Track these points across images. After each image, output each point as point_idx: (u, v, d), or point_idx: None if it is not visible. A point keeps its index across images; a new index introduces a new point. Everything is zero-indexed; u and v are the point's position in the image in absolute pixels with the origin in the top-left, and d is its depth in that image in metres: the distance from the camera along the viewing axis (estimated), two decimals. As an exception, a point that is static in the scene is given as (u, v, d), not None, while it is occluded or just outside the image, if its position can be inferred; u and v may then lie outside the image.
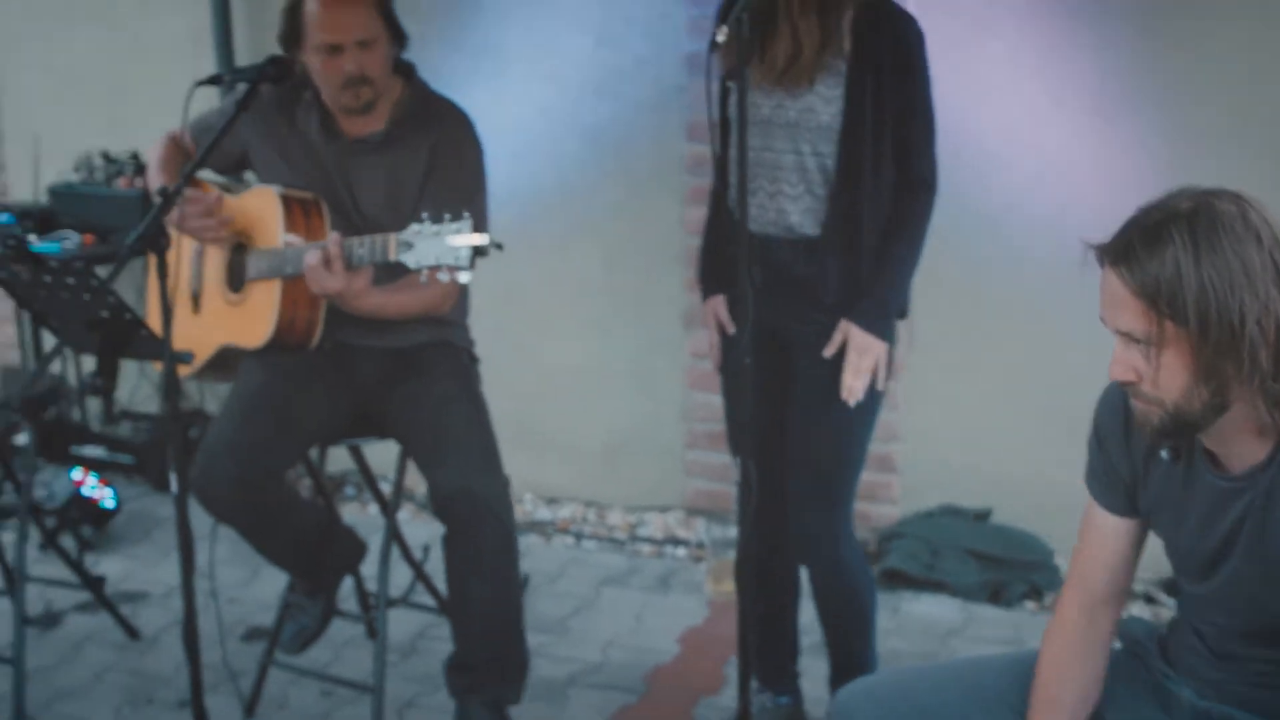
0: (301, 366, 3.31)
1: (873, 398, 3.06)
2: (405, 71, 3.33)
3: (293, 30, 3.20)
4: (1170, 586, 4.02)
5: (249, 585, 4.33)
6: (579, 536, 4.75)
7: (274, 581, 4.01)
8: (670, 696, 3.75)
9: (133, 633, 4.07)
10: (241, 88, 3.11)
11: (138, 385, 5.38)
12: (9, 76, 5.58)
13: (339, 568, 3.56)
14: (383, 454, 3.57)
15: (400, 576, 3.84)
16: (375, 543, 3.52)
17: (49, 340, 4.84)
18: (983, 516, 4.39)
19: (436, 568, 3.34)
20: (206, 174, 3.29)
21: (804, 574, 3.37)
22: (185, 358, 2.85)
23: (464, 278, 2.74)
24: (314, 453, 3.60)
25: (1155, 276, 1.85)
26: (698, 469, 4.78)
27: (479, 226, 2.77)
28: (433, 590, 3.80)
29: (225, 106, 3.38)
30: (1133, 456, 2.12)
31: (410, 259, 2.77)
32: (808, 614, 3.43)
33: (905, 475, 4.49)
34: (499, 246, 2.75)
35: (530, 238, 4.67)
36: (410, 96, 3.31)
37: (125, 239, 2.83)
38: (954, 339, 4.26)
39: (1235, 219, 1.86)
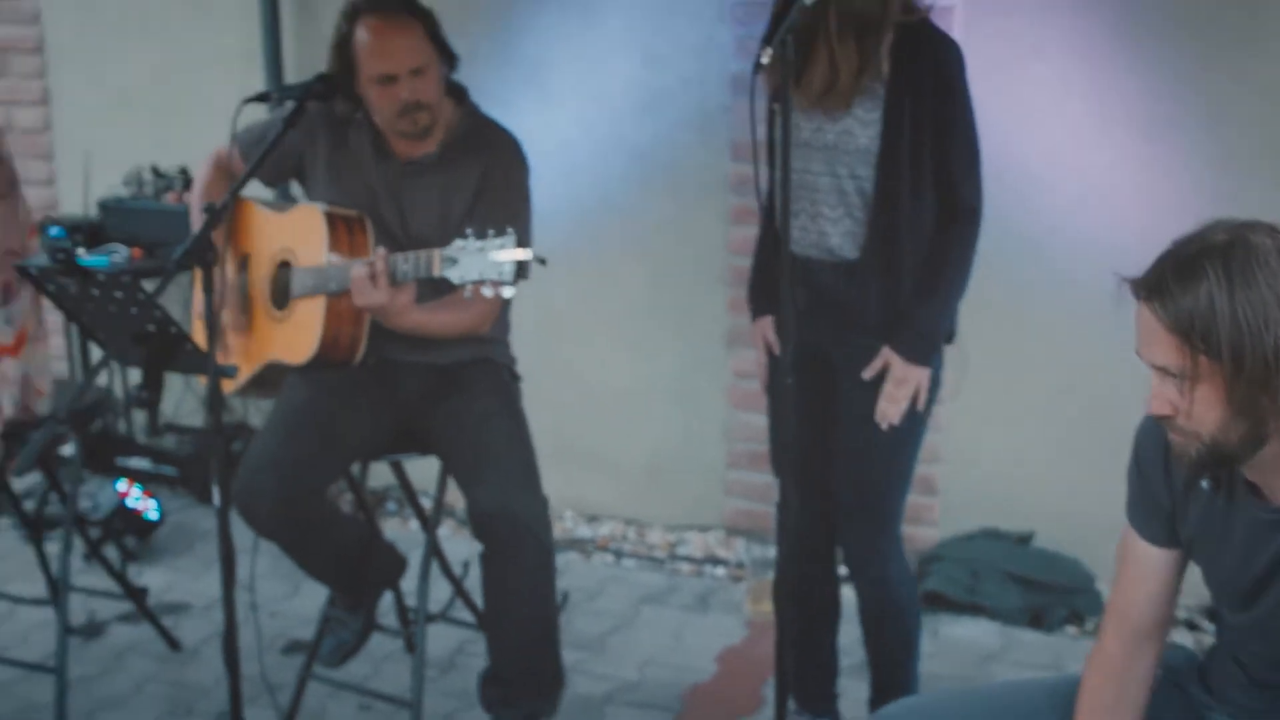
0: (345, 383, 3.33)
1: (915, 420, 3.06)
2: (457, 94, 3.35)
3: (344, 65, 3.21)
4: (1213, 613, 3.99)
5: (290, 599, 4.35)
6: (619, 554, 4.76)
7: (315, 595, 4.03)
8: (707, 716, 3.74)
9: (174, 644, 4.10)
10: (290, 104, 3.14)
11: (183, 398, 5.42)
12: (62, 91, 5.65)
13: (379, 583, 3.57)
14: (424, 470, 3.58)
15: (440, 592, 3.85)
16: (415, 558, 3.53)
17: (97, 353, 4.88)
18: (1024, 540, 4.37)
19: (476, 584, 3.35)
20: (251, 190, 3.31)
21: (844, 595, 3.37)
22: (229, 371, 2.88)
23: (507, 292, 2.74)
24: (356, 468, 3.61)
25: (1189, 311, 1.84)
26: (739, 488, 4.77)
27: (522, 243, 2.78)
28: (472, 606, 3.81)
29: (275, 119, 3.40)
30: (1173, 486, 2.11)
31: (454, 274, 2.78)
32: (847, 635, 3.42)
33: (946, 497, 4.48)
34: (542, 261, 2.76)
35: (575, 256, 4.69)
36: (463, 119, 3.33)
37: (172, 254, 2.86)
38: (997, 361, 4.25)
39: (1270, 252, 1.84)
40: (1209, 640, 3.91)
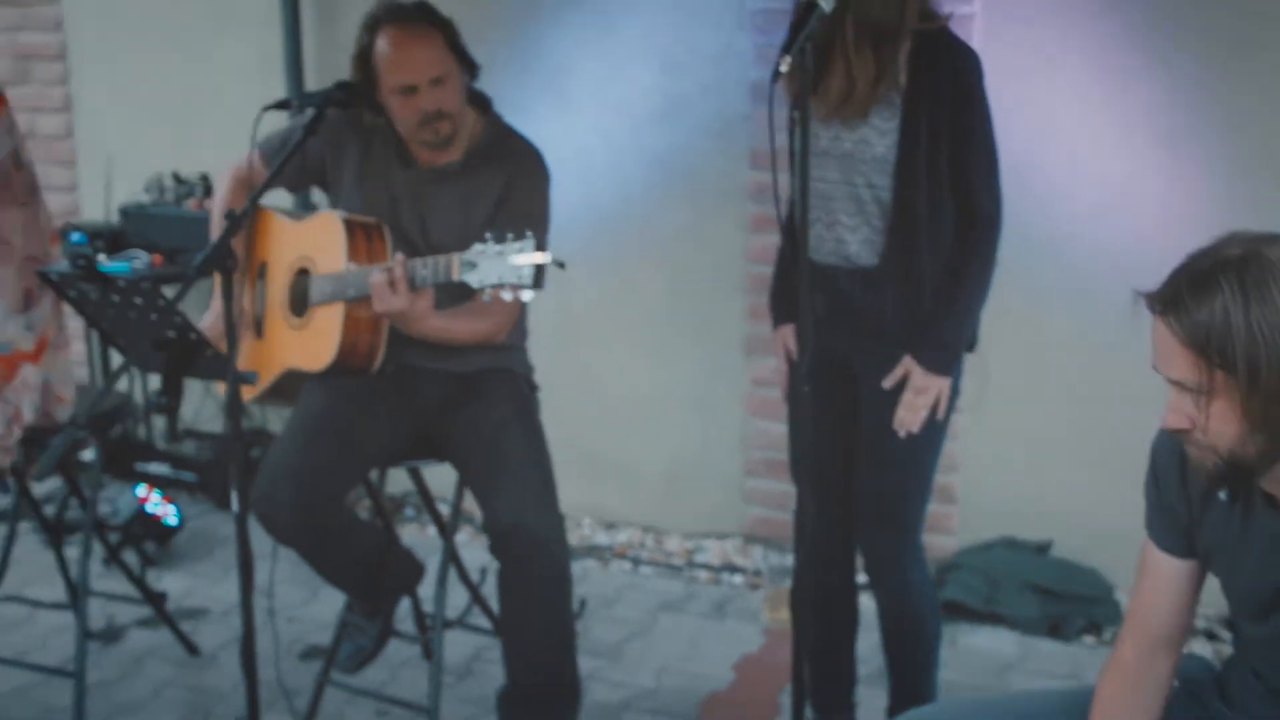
0: (364, 390, 3.34)
1: (935, 429, 3.05)
2: (481, 104, 3.36)
3: (365, 76, 3.22)
4: (1232, 624, 3.97)
5: (308, 604, 4.36)
6: (636, 562, 4.76)
7: (332, 601, 4.04)
8: (724, 724, 3.74)
9: (192, 649, 4.11)
10: (310, 112, 3.15)
11: (202, 404, 5.44)
12: (84, 98, 5.68)
13: (396, 589, 3.58)
14: (442, 476, 3.59)
15: (457, 598, 3.86)
16: (433, 564, 3.54)
17: (117, 358, 4.90)
18: (1042, 549, 4.36)
19: (493, 590, 3.35)
20: (271, 199, 3.32)
21: (862, 603, 3.37)
22: (250, 377, 2.88)
23: (526, 296, 2.74)
24: (374, 474, 3.62)
25: (1204, 326, 1.83)
26: (756, 496, 4.77)
27: (541, 247, 2.78)
28: (489, 613, 3.81)
29: (295, 127, 3.41)
30: (1190, 498, 2.10)
31: (473, 278, 2.78)
32: (865, 643, 3.41)
33: (964, 506, 4.47)
34: (561, 265, 2.76)
35: (593, 263, 4.70)
36: (487, 129, 3.34)
37: (193, 260, 2.86)
38: (1016, 369, 4.24)
39: None
40: (1228, 651, 3.89)
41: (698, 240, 4.71)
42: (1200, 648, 3.99)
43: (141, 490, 4.74)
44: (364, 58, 3.22)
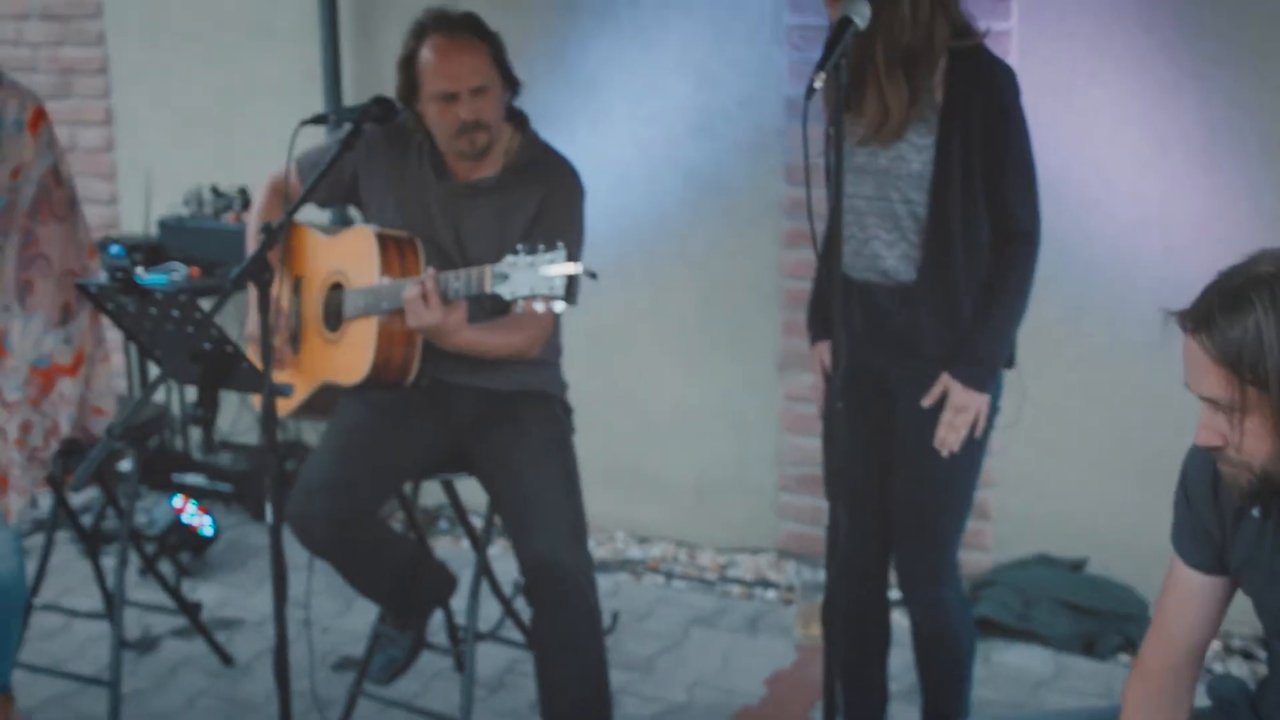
0: (398, 404, 3.35)
1: (973, 446, 3.04)
2: (518, 121, 3.37)
3: (409, 82, 3.26)
4: (1266, 643, 3.94)
5: (342, 616, 4.37)
6: (669, 576, 4.75)
7: (366, 613, 4.05)
8: (756, 740, 3.74)
9: (226, 659, 4.13)
10: (348, 126, 3.17)
11: (239, 416, 5.47)
12: (125, 112, 5.72)
13: (429, 601, 3.59)
14: (475, 490, 3.59)
15: (490, 611, 3.86)
16: (466, 577, 3.55)
17: (155, 370, 4.93)
18: (1077, 566, 4.34)
19: (525, 604, 3.36)
20: (306, 214, 3.33)
21: (894, 619, 3.36)
22: (285, 390, 2.89)
23: (559, 307, 2.75)
24: (408, 487, 3.63)
25: (1236, 343, 1.83)
26: (790, 511, 4.76)
27: (573, 258, 2.78)
28: (521, 626, 3.82)
29: (332, 142, 3.43)
30: (1222, 514, 2.09)
31: (505, 289, 2.79)
32: (897, 660, 3.40)
33: (999, 523, 4.45)
34: (593, 275, 2.76)
35: (628, 277, 4.70)
36: (524, 145, 3.35)
37: (229, 273, 2.88)
38: (1052, 386, 4.22)
39: None
40: (1263, 670, 3.86)
41: (732, 254, 4.71)
42: (1236, 667, 3.96)
43: (178, 501, 4.77)
44: (408, 63, 3.25)
